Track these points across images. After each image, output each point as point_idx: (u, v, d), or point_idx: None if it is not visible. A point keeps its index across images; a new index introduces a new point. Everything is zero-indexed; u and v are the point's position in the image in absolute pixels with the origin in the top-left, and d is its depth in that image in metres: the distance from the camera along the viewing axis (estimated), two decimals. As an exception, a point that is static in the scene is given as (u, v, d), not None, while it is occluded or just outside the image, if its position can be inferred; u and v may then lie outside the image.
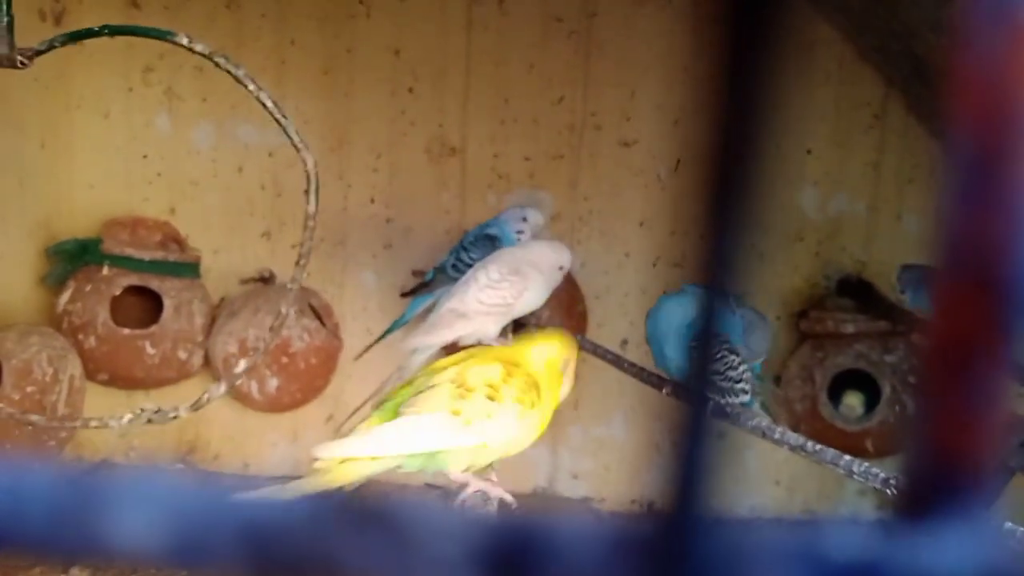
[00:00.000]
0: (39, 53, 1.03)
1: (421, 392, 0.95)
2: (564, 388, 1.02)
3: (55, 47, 1.04)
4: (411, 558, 0.16)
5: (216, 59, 1.01)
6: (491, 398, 0.92)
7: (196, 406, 1.01)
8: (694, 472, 0.17)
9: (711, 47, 0.16)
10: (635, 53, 2.02)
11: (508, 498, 0.97)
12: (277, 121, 1.02)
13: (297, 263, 1.05)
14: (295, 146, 1.02)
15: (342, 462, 0.90)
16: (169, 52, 1.98)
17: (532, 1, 2.02)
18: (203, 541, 0.16)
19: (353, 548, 0.16)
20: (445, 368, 0.99)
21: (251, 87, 1.01)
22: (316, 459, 0.91)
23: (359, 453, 0.90)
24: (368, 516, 0.16)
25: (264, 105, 1.02)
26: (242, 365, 1.09)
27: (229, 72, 1.01)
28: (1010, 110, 0.14)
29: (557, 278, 1.43)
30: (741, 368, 1.10)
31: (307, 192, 1.00)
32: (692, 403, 0.17)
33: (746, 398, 1.10)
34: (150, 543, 0.16)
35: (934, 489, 0.15)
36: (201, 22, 1.98)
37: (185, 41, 1.03)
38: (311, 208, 1.01)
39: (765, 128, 0.16)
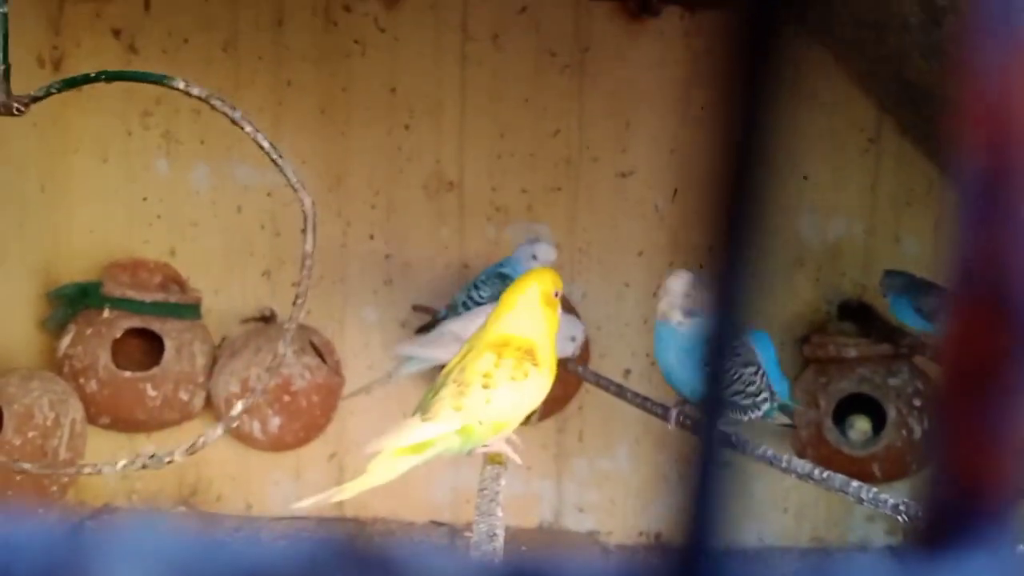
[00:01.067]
0: (36, 99, 1.04)
1: (437, 393, 1.06)
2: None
3: (52, 93, 1.04)
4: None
5: (213, 101, 1.01)
6: (486, 387, 1.02)
7: (192, 450, 1.00)
8: (704, 503, 0.17)
9: (708, 78, 0.16)
10: (629, 85, 2.04)
11: (518, 460, 1.07)
12: (274, 162, 1.02)
13: (295, 302, 1.05)
14: (292, 186, 1.02)
15: (395, 455, 1.05)
16: (166, 96, 2.00)
17: (526, 36, 2.04)
18: None
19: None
20: (451, 369, 1.09)
21: (248, 129, 1.01)
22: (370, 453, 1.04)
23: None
24: (369, 561, 0.16)
25: (261, 146, 1.02)
26: (239, 407, 1.08)
27: (226, 114, 1.02)
28: (1018, 131, 0.14)
29: (566, 349, 1.44)
30: (758, 379, 1.08)
31: (304, 231, 1.01)
32: (702, 434, 0.17)
33: (766, 407, 1.09)
34: None
35: (953, 517, 0.15)
36: (198, 65, 2.00)
37: (182, 85, 1.04)
38: (308, 247, 1.01)
39: (764, 156, 0.15)
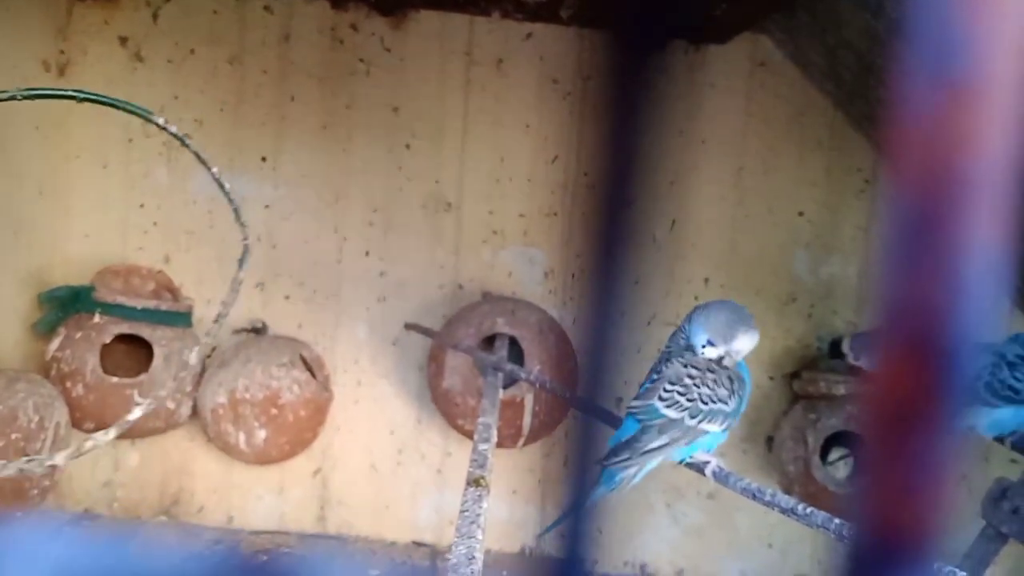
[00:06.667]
0: None
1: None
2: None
3: (15, 99, 1.04)
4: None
5: (186, 142, 1.03)
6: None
7: (76, 454, 0.95)
8: (583, 521, 0.17)
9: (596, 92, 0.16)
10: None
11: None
12: (230, 201, 1.04)
13: (215, 319, 1.06)
14: (239, 223, 1.05)
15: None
16: (170, 104, 2.01)
17: (529, 63, 2.05)
18: None
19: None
20: None
21: (214, 170, 1.03)
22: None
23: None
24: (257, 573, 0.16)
25: (222, 187, 1.05)
26: (137, 412, 1.04)
27: (196, 155, 1.03)
28: (948, 171, 0.14)
29: None
30: (735, 388, 1.07)
31: (240, 262, 1.02)
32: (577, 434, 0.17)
33: (729, 418, 1.08)
34: None
35: (876, 557, 0.15)
36: (203, 76, 2.02)
37: (161, 121, 1.06)
38: (240, 276, 1.02)
39: (641, 164, 0.16)
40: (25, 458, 0.99)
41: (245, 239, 0.99)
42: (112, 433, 0.94)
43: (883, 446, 0.14)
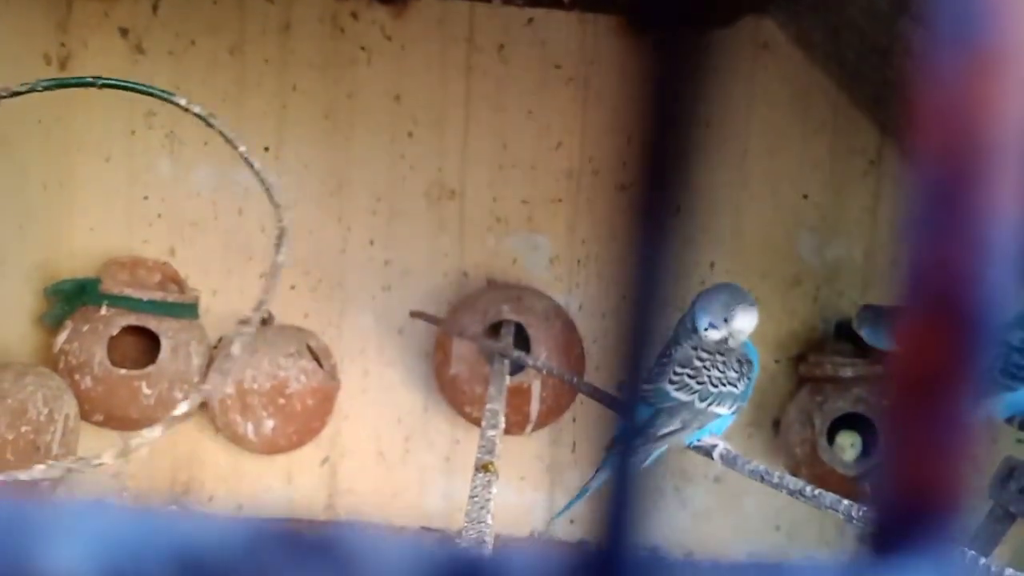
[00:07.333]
0: (16, 94, 1.03)
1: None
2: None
3: (36, 91, 1.04)
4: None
5: (211, 121, 1.02)
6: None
7: (125, 452, 0.95)
8: (624, 506, 0.17)
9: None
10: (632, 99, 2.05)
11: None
12: (262, 181, 1.03)
13: (256, 309, 1.04)
14: (273, 204, 1.03)
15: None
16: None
17: (531, 48, 2.05)
18: (138, 570, 0.16)
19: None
20: None
21: (241, 149, 1.02)
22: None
23: None
24: (310, 546, 0.16)
25: (251, 166, 1.03)
26: (184, 406, 1.02)
27: (221, 134, 1.02)
28: (972, 137, 0.14)
29: None
30: (743, 372, 1.07)
31: (277, 246, 1.01)
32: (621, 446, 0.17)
33: (739, 400, 1.08)
34: (84, 573, 0.16)
35: (901, 523, 0.15)
36: (205, 67, 2.01)
37: (183, 102, 1.05)
38: (280, 259, 1.01)
39: (679, 151, 0.16)
40: (72, 458, 0.99)
41: (281, 220, 0.99)
42: (158, 431, 0.95)
43: (908, 409, 0.14)
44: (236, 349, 1.02)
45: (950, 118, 0.14)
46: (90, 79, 1.07)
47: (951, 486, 0.15)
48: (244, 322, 1.02)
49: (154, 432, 0.90)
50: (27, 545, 0.16)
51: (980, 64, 0.14)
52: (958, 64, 0.14)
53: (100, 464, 0.86)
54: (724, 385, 1.06)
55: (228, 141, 1.01)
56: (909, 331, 0.15)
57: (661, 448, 1.07)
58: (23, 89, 1.03)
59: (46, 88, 1.05)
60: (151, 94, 1.08)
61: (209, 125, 1.03)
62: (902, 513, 0.15)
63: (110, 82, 1.08)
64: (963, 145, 0.14)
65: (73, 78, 1.16)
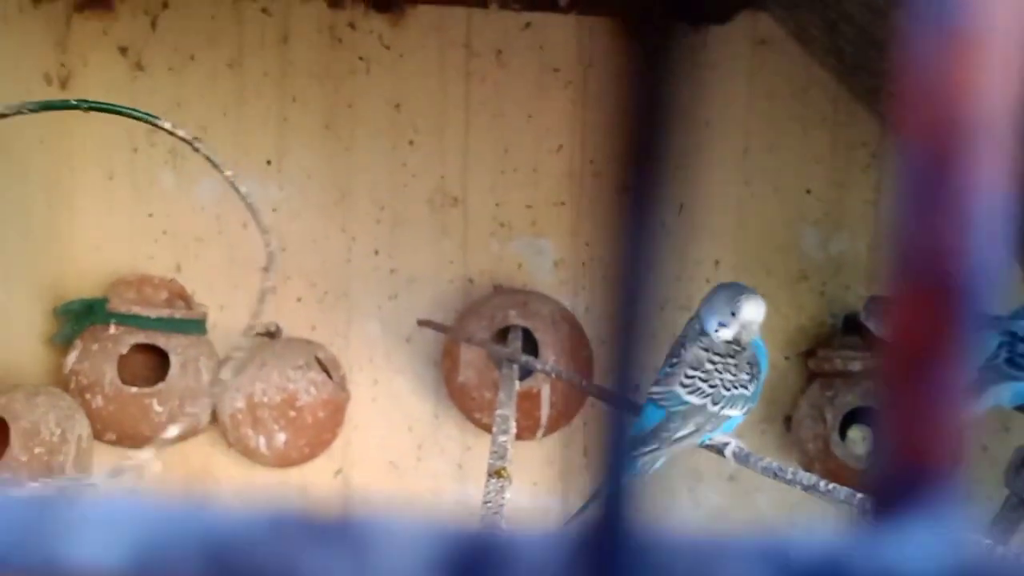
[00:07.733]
0: (1, 116, 1.04)
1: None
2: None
3: (23, 113, 1.04)
4: (371, 570, 0.16)
5: (197, 145, 1.03)
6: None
7: (115, 473, 0.94)
8: (618, 483, 0.17)
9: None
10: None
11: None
12: (248, 206, 1.04)
13: (244, 333, 1.05)
14: (261, 229, 1.04)
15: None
16: (172, 111, 2.02)
17: (529, 53, 2.05)
18: (163, 558, 0.16)
19: (314, 562, 0.16)
20: None
21: (228, 174, 1.03)
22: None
23: None
24: (329, 529, 0.17)
25: (237, 190, 1.04)
26: (173, 431, 1.03)
27: (207, 158, 1.03)
28: (955, 115, 0.14)
29: None
30: (753, 374, 1.07)
31: (266, 269, 1.01)
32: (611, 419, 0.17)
33: (750, 402, 1.08)
34: (110, 562, 0.16)
35: (899, 490, 0.15)
36: (204, 81, 2.02)
37: (168, 125, 1.06)
38: (268, 284, 1.02)
39: (660, 149, 0.16)
40: (64, 478, 1.00)
41: (268, 245, 0.99)
42: (149, 453, 0.96)
43: (902, 382, 0.15)
44: (226, 374, 1.02)
45: (932, 96, 0.14)
46: (74, 102, 1.08)
47: (947, 451, 0.15)
48: (240, 346, 1.03)
49: (145, 455, 0.90)
50: (54, 537, 0.16)
51: (959, 45, 0.14)
52: (938, 46, 0.14)
53: (91, 485, 0.86)
54: (736, 388, 1.06)
55: (214, 166, 1.02)
56: (900, 306, 0.15)
57: (673, 450, 1.07)
58: (9, 112, 1.03)
59: (32, 111, 1.06)
60: (136, 117, 1.08)
61: (195, 149, 1.04)
62: (899, 480, 0.15)
63: (96, 105, 1.09)
64: (945, 125, 0.14)
65: (58, 101, 1.16)
